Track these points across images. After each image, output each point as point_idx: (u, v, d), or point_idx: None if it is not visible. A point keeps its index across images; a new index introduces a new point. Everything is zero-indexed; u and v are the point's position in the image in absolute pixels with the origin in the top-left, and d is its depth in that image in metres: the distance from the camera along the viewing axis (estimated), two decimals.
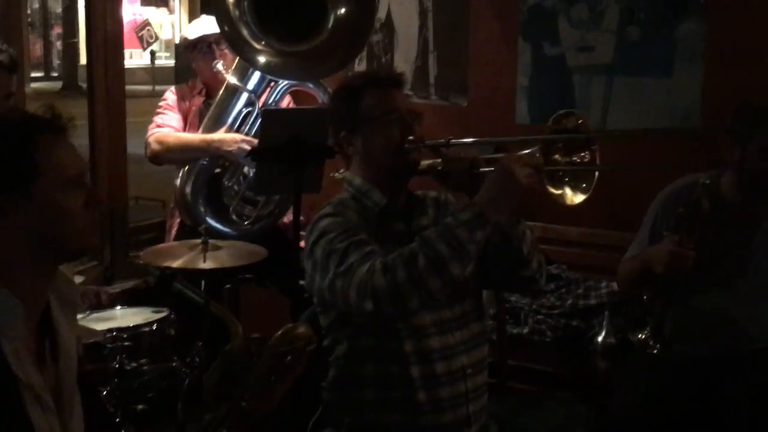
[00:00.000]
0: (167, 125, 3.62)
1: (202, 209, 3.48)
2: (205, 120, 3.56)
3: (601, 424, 2.76)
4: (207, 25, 3.58)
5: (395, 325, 2.07)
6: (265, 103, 3.56)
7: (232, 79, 3.53)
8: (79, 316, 2.43)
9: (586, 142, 2.09)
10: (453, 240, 1.91)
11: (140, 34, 15.99)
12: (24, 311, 1.53)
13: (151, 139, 3.59)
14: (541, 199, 2.09)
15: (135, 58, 18.25)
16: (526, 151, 2.10)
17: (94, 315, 2.98)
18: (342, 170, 2.29)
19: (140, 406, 2.82)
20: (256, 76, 3.51)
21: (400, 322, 2.07)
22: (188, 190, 3.55)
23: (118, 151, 4.15)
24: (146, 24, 16.40)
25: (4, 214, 1.51)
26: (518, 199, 1.98)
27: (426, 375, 2.08)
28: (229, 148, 3.44)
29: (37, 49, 23.67)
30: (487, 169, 2.06)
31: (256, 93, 3.53)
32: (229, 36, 3.34)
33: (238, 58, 3.49)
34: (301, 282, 2.25)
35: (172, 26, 22.28)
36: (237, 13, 3.31)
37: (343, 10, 3.34)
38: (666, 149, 3.35)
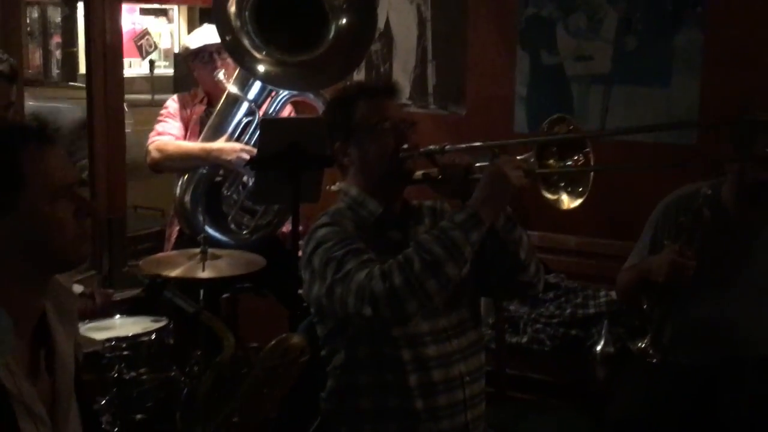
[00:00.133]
0: (168, 133, 3.62)
1: (201, 218, 3.48)
2: (206, 129, 3.56)
3: None
4: (209, 34, 3.59)
5: (392, 333, 2.07)
6: (265, 113, 3.56)
7: (232, 88, 3.53)
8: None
9: (580, 145, 2.10)
10: (448, 241, 1.92)
11: (139, 44, 15.98)
12: (13, 324, 1.50)
13: (151, 147, 3.59)
14: (539, 208, 2.10)
15: (134, 67, 18.25)
16: (520, 157, 2.11)
17: (93, 324, 2.98)
18: (338, 183, 2.30)
19: (139, 416, 2.81)
20: (257, 85, 3.51)
21: (397, 330, 2.07)
22: (187, 198, 3.55)
23: (116, 160, 4.15)
24: (145, 33, 16.39)
25: None
26: (510, 200, 2.01)
27: (423, 383, 2.08)
28: (229, 158, 3.44)
29: (36, 58, 23.67)
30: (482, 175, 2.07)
31: (257, 103, 3.54)
32: (230, 45, 3.35)
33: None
34: (300, 291, 2.25)
35: (171, 35, 22.29)
36: (238, 23, 3.31)
37: (344, 21, 3.34)
38: (664, 156, 3.36)
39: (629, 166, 3.51)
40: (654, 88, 3.62)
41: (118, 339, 2.86)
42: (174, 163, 3.58)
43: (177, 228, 3.69)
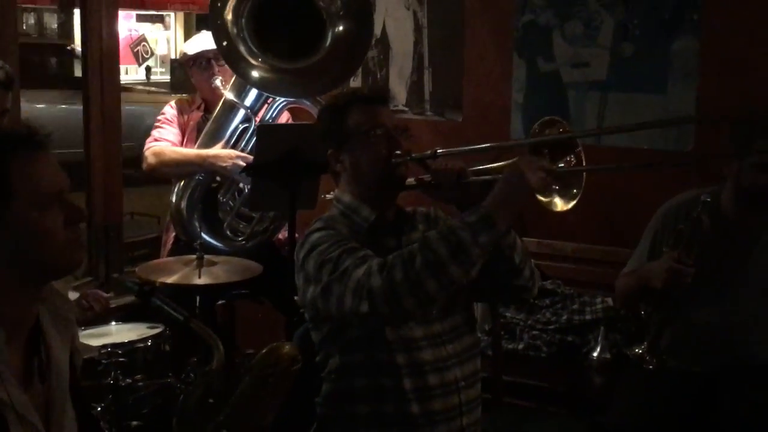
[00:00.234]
0: (164, 139, 3.62)
1: (197, 224, 3.47)
2: (202, 135, 3.56)
3: None
4: (206, 40, 3.59)
5: (387, 338, 2.07)
6: (262, 120, 3.56)
7: (229, 95, 3.53)
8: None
9: (571, 145, 2.10)
10: (454, 241, 1.89)
11: (136, 50, 16.00)
12: (5, 332, 1.50)
13: (147, 153, 3.59)
14: (536, 215, 2.10)
15: (130, 73, 18.24)
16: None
17: (89, 331, 2.97)
18: (333, 192, 2.30)
19: (135, 423, 2.81)
20: (254, 92, 3.51)
21: (392, 335, 2.07)
22: (184, 205, 3.55)
23: (112, 167, 4.14)
24: (142, 39, 16.41)
25: None
26: (525, 203, 1.98)
27: (419, 387, 2.08)
28: (224, 164, 3.44)
29: None
30: (475, 178, 2.07)
31: (253, 109, 3.54)
32: (226, 52, 3.35)
33: None
34: (296, 297, 2.25)
35: (168, 42, 22.29)
36: (235, 30, 3.31)
37: (341, 27, 3.34)
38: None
39: (629, 166, 3.51)
40: (650, 95, 3.62)
41: (114, 345, 2.85)
42: (170, 169, 3.58)
43: (173, 234, 3.69)
